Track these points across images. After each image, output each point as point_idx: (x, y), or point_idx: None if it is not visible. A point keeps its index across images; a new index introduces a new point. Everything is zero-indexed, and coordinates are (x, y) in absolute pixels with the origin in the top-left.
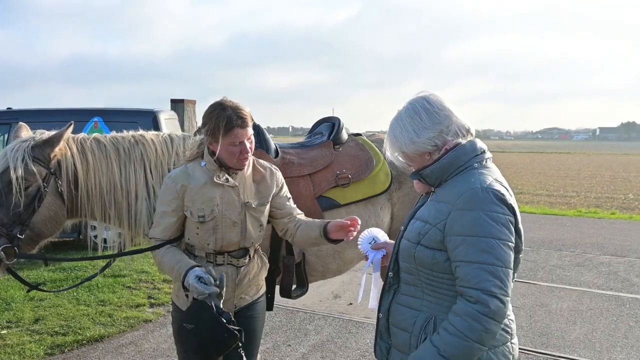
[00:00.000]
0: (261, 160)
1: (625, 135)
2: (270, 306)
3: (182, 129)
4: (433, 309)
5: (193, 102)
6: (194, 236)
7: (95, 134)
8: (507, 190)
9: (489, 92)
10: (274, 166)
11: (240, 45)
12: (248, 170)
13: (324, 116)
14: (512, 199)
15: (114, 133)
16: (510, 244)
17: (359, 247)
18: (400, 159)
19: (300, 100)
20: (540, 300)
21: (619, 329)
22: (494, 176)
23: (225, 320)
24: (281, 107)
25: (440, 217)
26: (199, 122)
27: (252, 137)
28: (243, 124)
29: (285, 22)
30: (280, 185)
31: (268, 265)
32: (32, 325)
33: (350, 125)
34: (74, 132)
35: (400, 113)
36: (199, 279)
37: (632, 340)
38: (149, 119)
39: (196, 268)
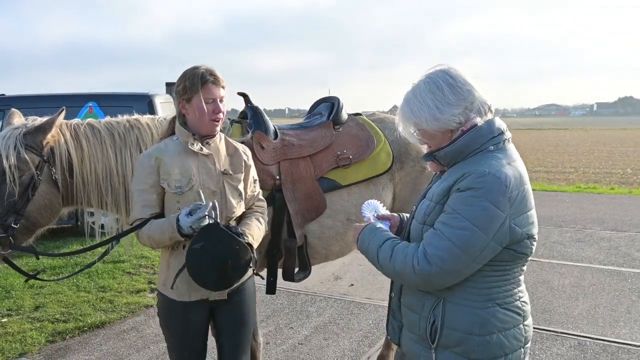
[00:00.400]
0: (229, 138)
1: (622, 110)
2: (272, 290)
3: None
4: (442, 291)
5: None
6: (175, 211)
7: (89, 119)
8: (521, 176)
9: (486, 71)
10: (243, 145)
11: (235, 27)
12: (221, 141)
13: (322, 96)
14: (521, 187)
15: (108, 118)
16: (484, 235)
17: (364, 217)
18: (416, 135)
19: (295, 81)
20: (542, 277)
21: (622, 304)
22: (509, 160)
23: (233, 233)
24: (277, 89)
25: (442, 194)
26: None
27: (224, 103)
28: (216, 81)
29: (279, 3)
30: (251, 163)
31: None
32: (33, 312)
33: (349, 106)
34: (67, 118)
35: (419, 87)
36: (189, 213)
37: (635, 315)
38: (144, 103)
39: (182, 210)
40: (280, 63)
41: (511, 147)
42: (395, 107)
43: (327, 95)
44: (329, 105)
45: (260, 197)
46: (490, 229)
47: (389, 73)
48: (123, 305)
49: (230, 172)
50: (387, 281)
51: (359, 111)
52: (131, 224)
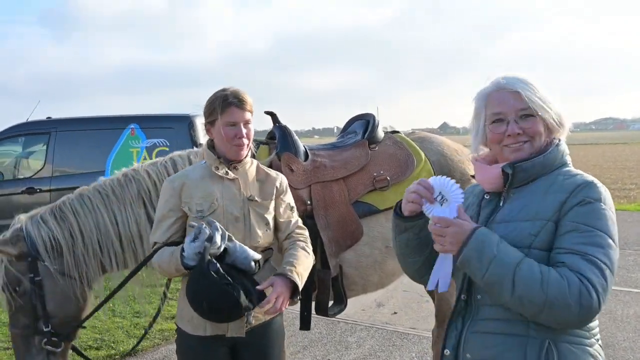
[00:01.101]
0: (266, 167)
1: None
2: (307, 325)
3: None
4: (546, 330)
5: None
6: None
7: (79, 189)
8: None
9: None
10: (280, 173)
11: (285, 48)
12: (250, 166)
13: (358, 114)
14: None
15: (102, 178)
16: (618, 249)
17: (424, 209)
18: (548, 112)
19: (345, 100)
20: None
21: None
22: None
23: (214, 273)
24: (326, 108)
25: (554, 208)
26: None
27: (251, 128)
28: (240, 104)
29: (329, 23)
30: (285, 189)
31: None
32: None
33: (397, 124)
34: (111, 140)
35: (529, 78)
36: (194, 239)
37: None
38: (185, 124)
39: (186, 238)
40: (329, 82)
41: None
42: (445, 123)
43: (375, 114)
44: (364, 123)
45: (300, 224)
46: (616, 236)
47: (438, 91)
48: (157, 332)
49: (257, 198)
50: (432, 309)
51: (409, 128)
52: (152, 247)
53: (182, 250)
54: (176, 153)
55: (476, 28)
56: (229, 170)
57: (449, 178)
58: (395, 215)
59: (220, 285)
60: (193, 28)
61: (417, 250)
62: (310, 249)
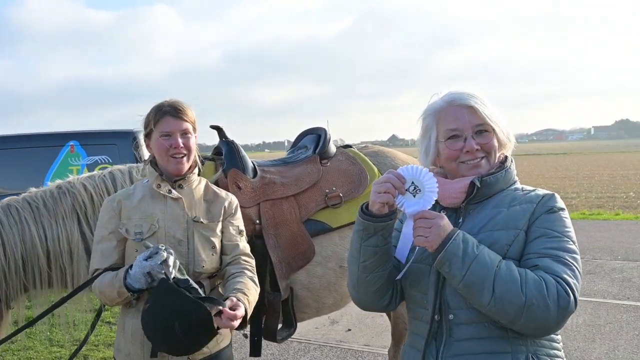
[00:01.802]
0: (216, 187)
1: (619, 133)
2: (257, 351)
3: None
4: (529, 343)
5: None
6: (133, 261)
7: (7, 199)
8: None
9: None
10: (230, 193)
11: (236, 62)
12: (198, 185)
13: (309, 127)
14: None
15: (33, 189)
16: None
17: (396, 202)
18: (499, 129)
19: (296, 113)
20: None
21: None
22: None
23: (184, 289)
24: (277, 122)
25: (523, 217)
26: None
27: (192, 137)
28: (175, 113)
29: (279, 37)
30: (234, 211)
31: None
32: None
33: (346, 137)
34: (48, 157)
35: (477, 95)
36: (148, 257)
37: None
38: (128, 140)
39: (138, 256)
40: (280, 96)
41: None
42: (394, 136)
43: (325, 126)
44: (315, 138)
45: (248, 251)
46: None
47: (388, 103)
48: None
49: (202, 220)
50: (387, 325)
51: (358, 141)
52: (91, 275)
53: (127, 270)
54: (116, 167)
55: (422, 42)
56: (172, 189)
57: (421, 166)
58: (363, 216)
59: (195, 300)
60: (141, 42)
61: (383, 260)
62: (256, 280)
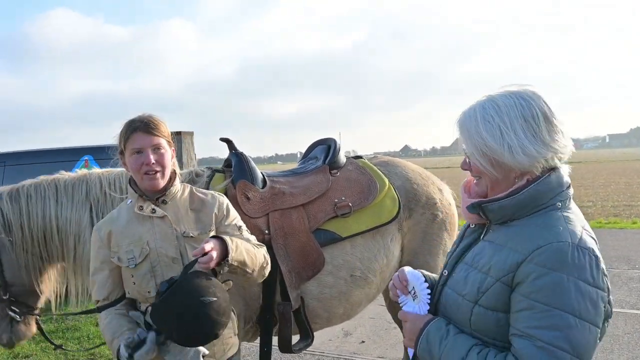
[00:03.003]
0: (201, 189)
1: (635, 141)
2: None
3: (181, 162)
4: None
5: (190, 134)
6: (131, 287)
7: (41, 177)
8: (596, 242)
9: None
10: (217, 192)
11: (250, 75)
12: (182, 196)
13: (320, 138)
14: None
15: (63, 172)
16: (593, 327)
17: (398, 300)
18: (474, 159)
19: (309, 125)
20: None
21: None
22: (581, 224)
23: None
24: (290, 134)
25: (505, 269)
26: (198, 155)
27: (167, 152)
28: (145, 128)
29: (294, 49)
30: (225, 212)
31: (235, 317)
32: None
33: (359, 148)
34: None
35: (507, 105)
36: (129, 346)
37: None
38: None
39: (120, 340)
40: (294, 108)
41: (575, 207)
42: (406, 146)
43: (337, 138)
44: (325, 148)
45: (255, 241)
46: (598, 317)
47: (401, 114)
48: None
49: (192, 233)
50: (401, 337)
51: (371, 152)
52: (96, 306)
53: (118, 351)
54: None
55: (436, 53)
56: (155, 207)
57: (422, 275)
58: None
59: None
60: (155, 56)
61: None
62: (262, 250)
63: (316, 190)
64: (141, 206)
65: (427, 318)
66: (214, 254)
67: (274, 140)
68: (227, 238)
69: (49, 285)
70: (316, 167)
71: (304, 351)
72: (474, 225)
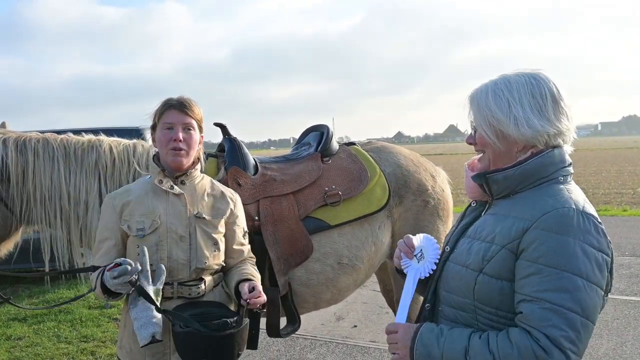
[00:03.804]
0: (222, 185)
1: (627, 129)
2: (254, 344)
3: None
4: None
5: None
6: (135, 258)
7: (48, 134)
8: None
9: None
10: (235, 192)
11: (244, 59)
12: (200, 181)
13: (314, 124)
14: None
15: (69, 134)
16: (599, 290)
17: (401, 264)
18: (483, 131)
19: (303, 111)
20: None
21: None
22: (583, 197)
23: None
24: (284, 119)
25: (511, 236)
26: None
27: (196, 134)
28: (180, 106)
29: (288, 34)
30: (239, 213)
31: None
32: None
33: (352, 134)
34: None
35: (518, 82)
36: (115, 277)
37: None
38: (135, 137)
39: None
40: (288, 93)
41: (575, 185)
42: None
43: (330, 124)
44: (318, 135)
45: (250, 253)
46: (603, 280)
47: (395, 100)
48: (105, 356)
49: (205, 216)
50: (393, 320)
51: (364, 138)
52: (92, 270)
53: (102, 277)
54: (140, 141)
55: (432, 38)
56: (174, 185)
57: (434, 239)
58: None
59: (220, 336)
60: (150, 39)
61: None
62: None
63: (307, 178)
64: (161, 180)
65: (416, 326)
66: (264, 298)
67: (268, 126)
68: (256, 284)
69: (8, 246)
70: (308, 154)
71: (298, 335)
72: (475, 204)
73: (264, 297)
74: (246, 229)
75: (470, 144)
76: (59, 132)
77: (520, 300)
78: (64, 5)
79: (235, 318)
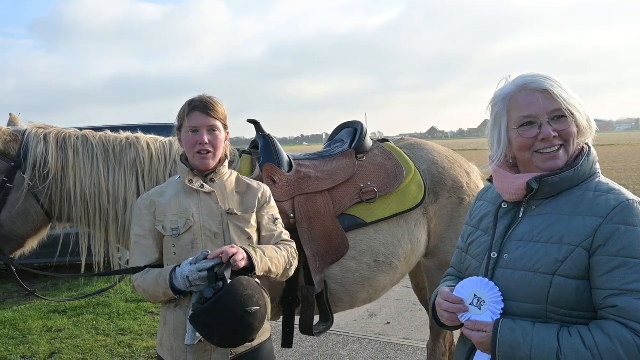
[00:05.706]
0: (247, 178)
1: None
2: (289, 342)
3: None
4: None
5: None
6: (171, 257)
7: (86, 131)
8: None
9: None
10: (262, 183)
11: (280, 56)
12: (229, 177)
13: (346, 121)
14: None
15: (107, 132)
16: None
17: (461, 320)
18: (578, 112)
19: (336, 106)
20: None
21: None
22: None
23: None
24: (317, 115)
25: (584, 234)
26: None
27: (221, 134)
28: (204, 108)
29: (324, 29)
30: (267, 201)
31: (269, 299)
32: (47, 359)
33: (385, 129)
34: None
35: (555, 79)
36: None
37: None
38: (171, 134)
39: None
40: (322, 89)
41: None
42: (433, 128)
43: (363, 120)
44: (352, 131)
45: (286, 237)
46: None
47: (429, 95)
48: (142, 350)
49: (236, 211)
50: (426, 319)
51: (397, 134)
52: (132, 271)
53: (174, 270)
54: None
55: (468, 33)
56: (204, 183)
57: (483, 278)
58: (438, 323)
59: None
60: (188, 36)
61: None
62: (289, 253)
63: (342, 175)
64: (191, 180)
65: (492, 323)
66: (240, 255)
67: (300, 121)
68: (250, 250)
69: (33, 243)
70: (342, 150)
71: (331, 331)
72: (506, 205)
73: (241, 254)
74: (277, 215)
75: (545, 138)
76: (96, 129)
77: (608, 295)
78: (104, 4)
79: (220, 283)
